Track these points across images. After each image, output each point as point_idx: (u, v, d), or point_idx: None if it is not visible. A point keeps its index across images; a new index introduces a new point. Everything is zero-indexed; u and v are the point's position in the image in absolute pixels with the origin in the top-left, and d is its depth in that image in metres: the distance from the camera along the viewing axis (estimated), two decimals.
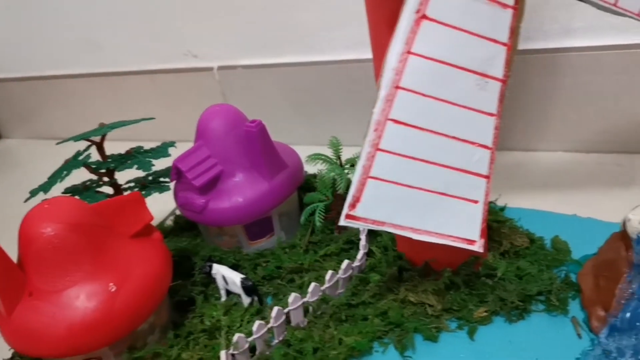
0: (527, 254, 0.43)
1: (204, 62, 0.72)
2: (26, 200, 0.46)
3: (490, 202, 0.50)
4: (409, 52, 0.29)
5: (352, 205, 0.31)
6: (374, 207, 0.31)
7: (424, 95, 0.29)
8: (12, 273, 0.37)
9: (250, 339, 0.39)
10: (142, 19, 0.73)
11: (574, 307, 0.40)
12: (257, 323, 0.39)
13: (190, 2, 0.68)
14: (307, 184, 0.55)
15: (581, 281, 0.40)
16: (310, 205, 0.49)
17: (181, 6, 0.69)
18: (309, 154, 0.51)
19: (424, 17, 0.28)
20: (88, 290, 0.37)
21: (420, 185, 0.31)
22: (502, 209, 0.49)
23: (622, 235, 0.36)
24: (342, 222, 0.31)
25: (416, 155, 0.31)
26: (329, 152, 0.50)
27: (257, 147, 0.46)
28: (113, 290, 0.38)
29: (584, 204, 0.49)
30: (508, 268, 0.41)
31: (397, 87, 0.29)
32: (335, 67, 0.63)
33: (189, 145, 0.48)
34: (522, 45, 0.54)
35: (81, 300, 0.37)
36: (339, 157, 0.49)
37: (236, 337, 0.38)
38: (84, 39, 0.79)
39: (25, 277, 0.38)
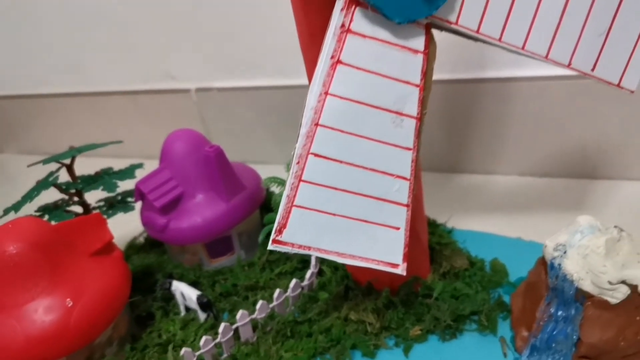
0: (466, 275, 0.45)
1: (181, 83, 0.75)
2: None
3: (440, 224, 0.53)
4: (326, 93, 0.31)
5: (279, 231, 0.33)
6: (299, 233, 0.33)
7: (342, 131, 0.32)
8: None
9: (197, 353, 0.41)
10: (124, 43, 0.76)
11: (505, 327, 0.42)
12: (204, 338, 0.41)
13: (169, 27, 0.71)
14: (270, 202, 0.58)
15: (513, 302, 0.43)
16: (268, 225, 0.52)
17: (161, 30, 0.72)
18: (280, 171, 0.53)
19: (339, 62, 0.31)
20: (46, 304, 0.40)
21: (343, 213, 0.34)
22: (450, 231, 0.52)
23: (543, 260, 0.39)
24: (270, 246, 0.33)
25: (338, 185, 0.33)
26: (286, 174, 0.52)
27: (215, 170, 0.49)
28: (70, 305, 0.40)
29: (530, 227, 0.52)
30: (445, 289, 0.44)
31: (317, 125, 0.32)
32: (303, 91, 0.66)
33: None
34: (476, 74, 0.57)
35: (39, 314, 0.40)
36: None
37: (183, 351, 0.41)
38: (71, 60, 0.83)
39: None
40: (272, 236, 0.33)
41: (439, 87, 0.58)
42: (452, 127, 0.60)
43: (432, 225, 0.52)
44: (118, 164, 0.56)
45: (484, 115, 0.58)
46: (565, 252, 0.35)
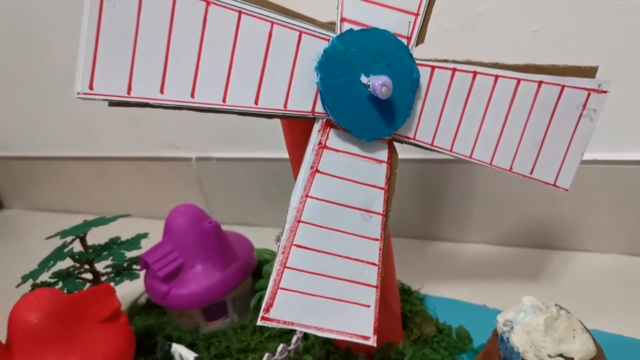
0: (434, 341, 0.51)
1: (183, 152, 0.82)
2: (18, 286, 0.54)
3: (414, 292, 0.58)
4: (306, 196, 0.38)
5: (267, 310, 0.39)
6: (284, 311, 0.39)
7: (320, 226, 0.38)
8: (1, 355, 0.45)
9: None
10: (131, 112, 0.83)
11: None
12: None
13: None
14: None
15: None
16: (259, 291, 0.57)
17: None
18: (271, 234, 0.59)
19: (317, 171, 0.37)
20: None
21: (321, 294, 0.40)
22: (423, 298, 0.57)
23: (497, 332, 0.45)
24: (259, 322, 0.39)
25: (317, 271, 0.39)
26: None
27: (212, 243, 0.55)
28: None
29: (494, 294, 0.57)
30: (415, 354, 0.49)
31: (299, 221, 0.38)
32: None
33: None
34: (445, 155, 0.64)
35: None
36: None
37: None
38: (81, 126, 0.90)
39: (11, 357, 0.46)
40: (261, 314, 0.39)
41: (412, 165, 0.65)
42: (425, 199, 0.67)
43: (407, 292, 0.58)
44: (122, 223, 0.62)
45: (453, 190, 0.65)
46: (512, 328, 0.41)
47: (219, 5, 0.33)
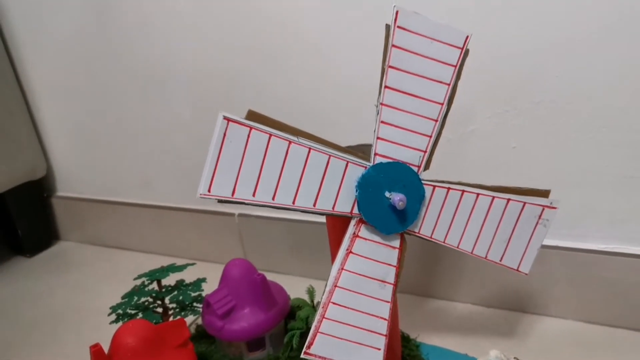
0: None
1: (228, 208, 0.99)
2: (109, 314, 0.71)
3: (412, 339, 0.74)
4: (342, 269, 0.54)
5: (308, 347, 0.55)
6: (321, 348, 0.55)
7: (350, 290, 0.55)
8: None
9: None
10: (184, 169, 1.01)
11: None
12: None
13: None
14: (293, 313, 0.80)
15: None
16: (291, 331, 0.74)
17: None
18: (297, 281, 0.76)
19: (351, 252, 0.54)
20: None
21: (347, 338, 0.56)
22: (418, 345, 0.73)
23: None
24: (302, 355, 0.55)
25: (345, 321, 0.55)
26: (306, 296, 0.75)
27: (259, 291, 0.71)
28: None
29: (475, 346, 0.73)
30: None
31: (335, 286, 0.55)
32: (317, 226, 0.90)
33: (215, 265, 0.73)
34: None
35: None
36: (312, 301, 0.74)
37: None
38: (141, 177, 1.08)
39: None
40: (304, 349, 0.55)
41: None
42: (425, 265, 0.84)
43: (406, 339, 0.74)
44: (171, 261, 0.78)
45: (448, 260, 0.82)
46: None
47: (296, 144, 0.50)
